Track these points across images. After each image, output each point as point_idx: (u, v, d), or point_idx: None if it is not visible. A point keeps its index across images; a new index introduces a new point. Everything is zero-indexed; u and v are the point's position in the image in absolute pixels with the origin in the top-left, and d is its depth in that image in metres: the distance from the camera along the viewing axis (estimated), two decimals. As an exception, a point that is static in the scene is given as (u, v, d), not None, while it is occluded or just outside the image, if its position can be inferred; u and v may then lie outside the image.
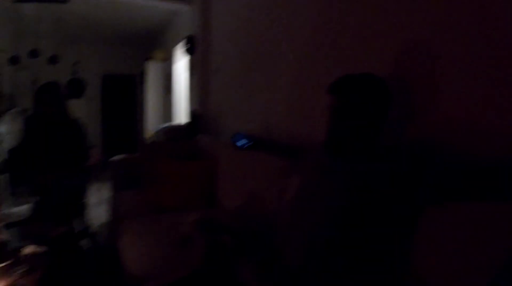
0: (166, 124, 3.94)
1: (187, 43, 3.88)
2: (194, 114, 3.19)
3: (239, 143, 2.21)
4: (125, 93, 7.27)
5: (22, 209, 4.02)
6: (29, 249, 1.52)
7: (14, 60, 5.13)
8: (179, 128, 3.33)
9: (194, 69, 3.75)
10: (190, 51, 3.86)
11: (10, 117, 3.97)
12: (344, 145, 1.11)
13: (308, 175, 1.21)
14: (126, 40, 6.80)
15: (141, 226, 1.92)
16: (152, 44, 6.75)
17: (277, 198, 1.53)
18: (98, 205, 3.50)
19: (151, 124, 5.32)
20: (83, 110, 5.81)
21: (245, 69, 2.70)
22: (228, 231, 1.26)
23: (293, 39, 2.06)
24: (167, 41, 5.67)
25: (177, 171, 2.29)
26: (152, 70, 5.30)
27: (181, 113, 4.77)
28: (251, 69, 2.58)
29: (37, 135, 2.45)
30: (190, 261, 1.29)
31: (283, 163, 1.68)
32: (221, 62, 3.36)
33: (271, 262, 1.11)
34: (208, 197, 2.31)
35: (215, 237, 1.26)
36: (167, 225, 1.87)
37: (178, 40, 4.92)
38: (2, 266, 1.37)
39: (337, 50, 1.69)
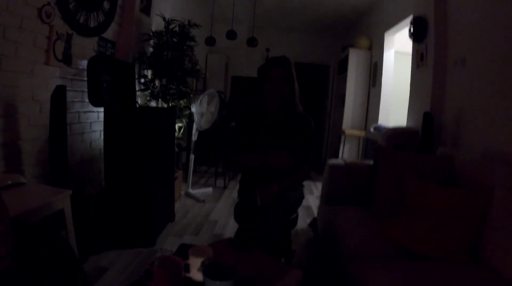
0: (388, 126, 3.22)
1: (414, 26, 3.09)
2: (428, 117, 2.37)
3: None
4: (316, 83, 6.90)
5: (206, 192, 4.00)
6: None
7: (209, 41, 5.26)
8: (409, 133, 2.56)
9: (423, 60, 2.94)
10: (417, 37, 3.06)
11: (205, 99, 3.82)
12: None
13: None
14: (319, 27, 6.39)
15: (393, 278, 1.31)
16: (349, 31, 6.15)
17: None
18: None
19: (350, 119, 4.80)
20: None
21: (510, 63, 2.00)
22: None
23: None
24: (370, 26, 4.96)
25: (436, 201, 1.57)
26: (354, 59, 4.67)
27: (389, 111, 4.03)
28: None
29: (258, 128, 1.86)
30: None
31: None
32: (467, 52, 2.51)
33: None
34: (473, 246, 1.54)
35: None
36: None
37: (389, 24, 4.16)
38: None
39: None
